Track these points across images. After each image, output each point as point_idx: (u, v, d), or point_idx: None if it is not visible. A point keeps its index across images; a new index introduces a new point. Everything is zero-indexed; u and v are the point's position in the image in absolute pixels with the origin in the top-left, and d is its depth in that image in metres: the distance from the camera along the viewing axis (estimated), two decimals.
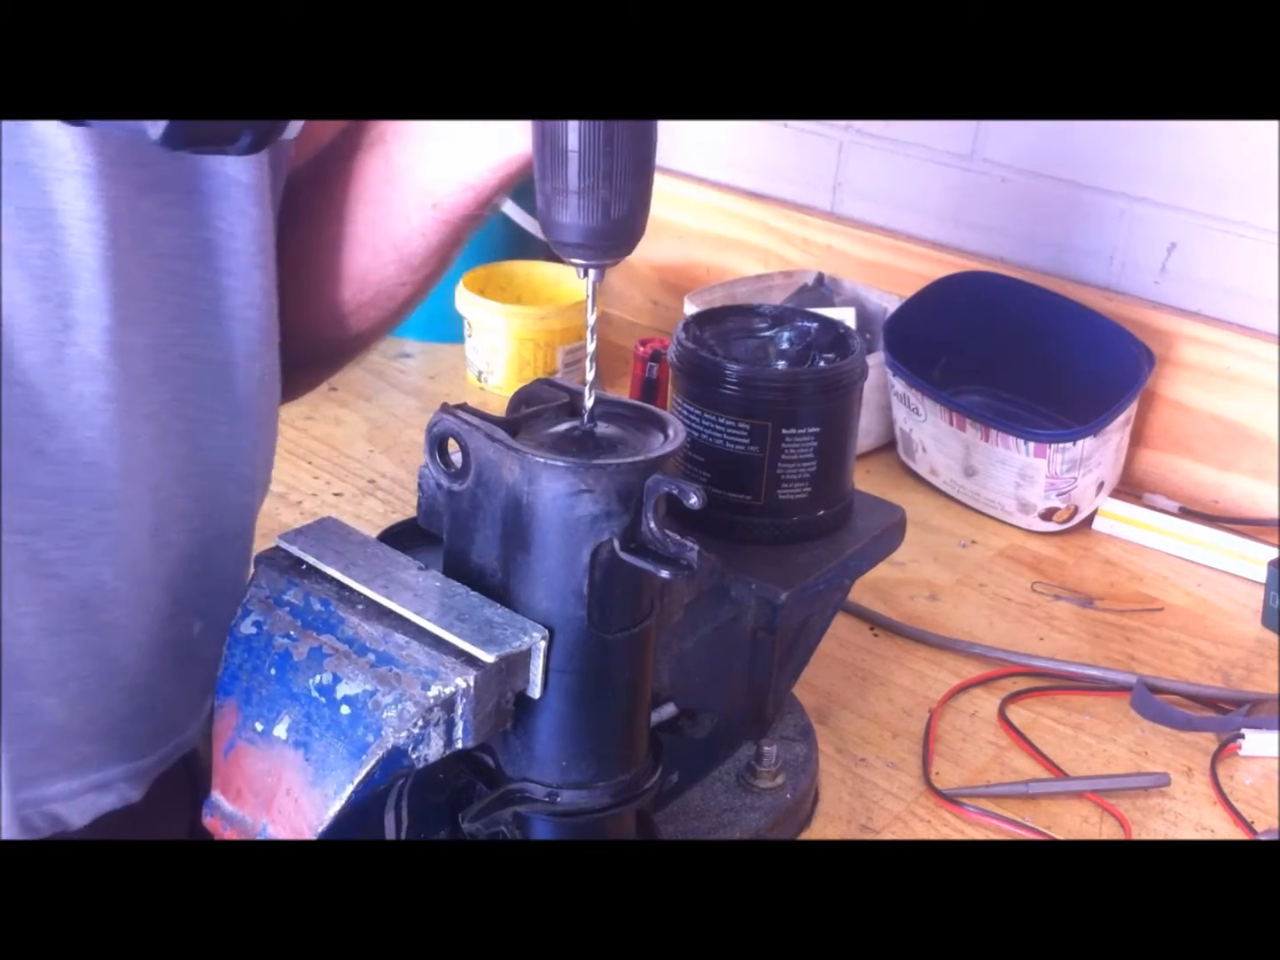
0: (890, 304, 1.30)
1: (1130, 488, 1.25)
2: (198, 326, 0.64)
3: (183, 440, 0.66)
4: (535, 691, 0.63)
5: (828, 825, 0.84)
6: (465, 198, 0.69)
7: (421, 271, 0.73)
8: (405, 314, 0.78)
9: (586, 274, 0.61)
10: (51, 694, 0.62)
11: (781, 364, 0.83)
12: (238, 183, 0.64)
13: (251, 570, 0.66)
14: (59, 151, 0.56)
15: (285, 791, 0.60)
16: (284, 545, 0.66)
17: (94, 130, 0.56)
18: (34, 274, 0.56)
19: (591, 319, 0.64)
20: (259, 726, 0.61)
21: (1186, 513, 1.20)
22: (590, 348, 0.64)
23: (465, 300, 1.35)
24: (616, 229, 0.59)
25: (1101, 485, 1.18)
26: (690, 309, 1.27)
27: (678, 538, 0.61)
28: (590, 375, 0.64)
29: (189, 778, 0.76)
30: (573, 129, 0.57)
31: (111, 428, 0.61)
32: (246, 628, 0.63)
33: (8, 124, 0.54)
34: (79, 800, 0.65)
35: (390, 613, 0.62)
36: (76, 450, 0.60)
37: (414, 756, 0.59)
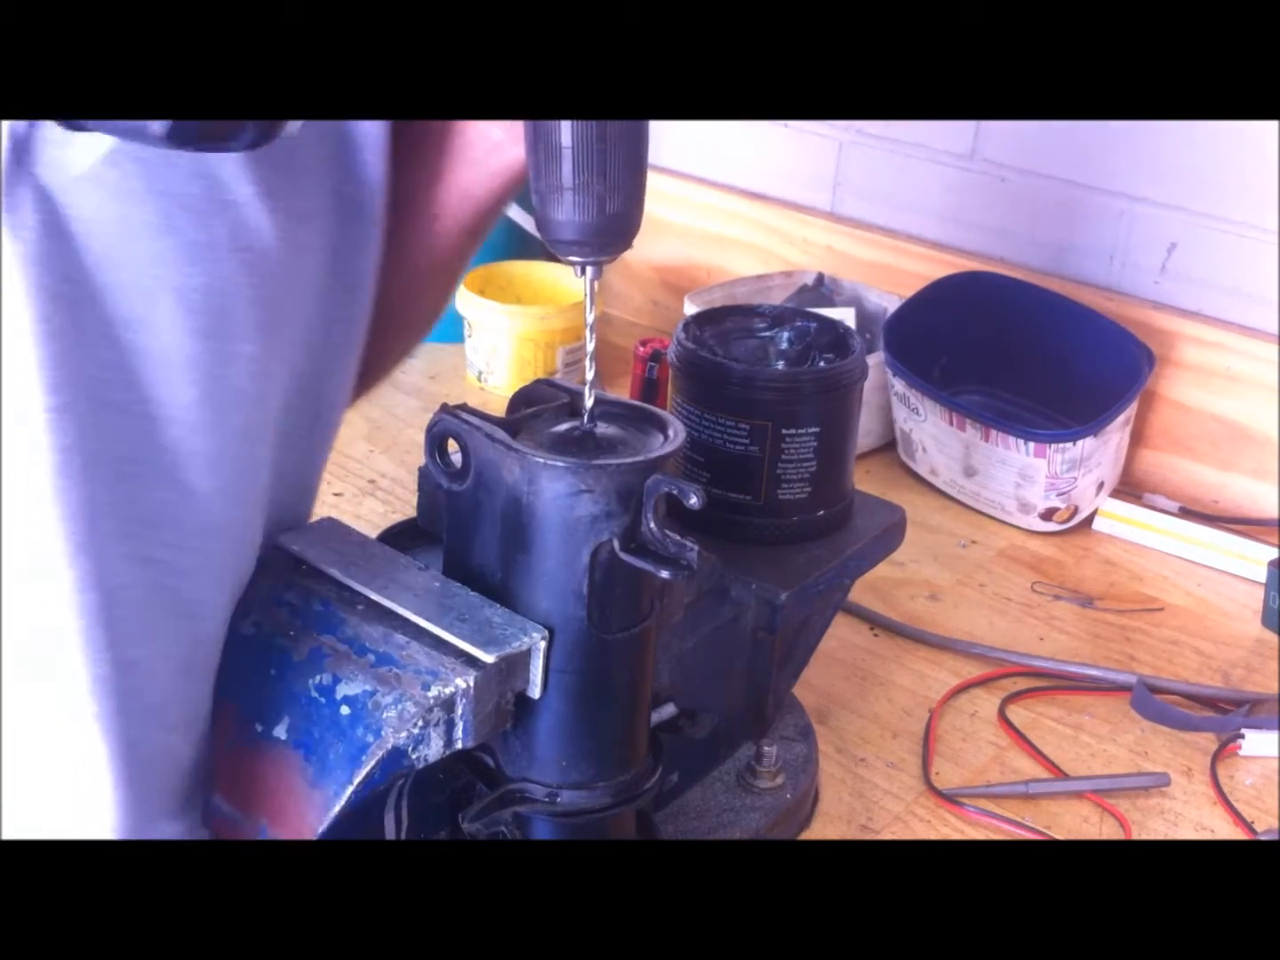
0: (890, 304, 1.30)
1: (1130, 488, 1.25)
2: (313, 349, 0.64)
3: (278, 461, 0.66)
4: (535, 692, 0.63)
5: (828, 825, 0.84)
6: (464, 208, 0.69)
7: (429, 284, 0.73)
8: (420, 328, 0.77)
9: (584, 272, 0.61)
10: (183, 733, 0.61)
11: (781, 364, 0.83)
12: (368, 209, 0.64)
13: None
14: (221, 183, 0.55)
15: (285, 791, 0.60)
16: (284, 545, 0.66)
17: (255, 161, 0.56)
18: (193, 308, 0.55)
19: (590, 317, 0.64)
20: (259, 727, 0.61)
21: (1186, 513, 1.20)
22: (590, 346, 0.64)
23: (465, 300, 1.35)
24: (612, 225, 0.60)
25: (1101, 485, 1.18)
26: (690, 309, 1.27)
27: (678, 538, 0.61)
28: (590, 375, 0.64)
29: None
30: (565, 126, 0.57)
31: (250, 459, 0.60)
32: (246, 628, 0.63)
33: (169, 157, 0.54)
34: (192, 836, 0.65)
35: (390, 613, 0.62)
36: (224, 487, 0.59)
37: (414, 757, 0.59)
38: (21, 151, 0.51)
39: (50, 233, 0.51)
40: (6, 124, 0.50)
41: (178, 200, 0.54)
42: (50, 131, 0.51)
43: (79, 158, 0.51)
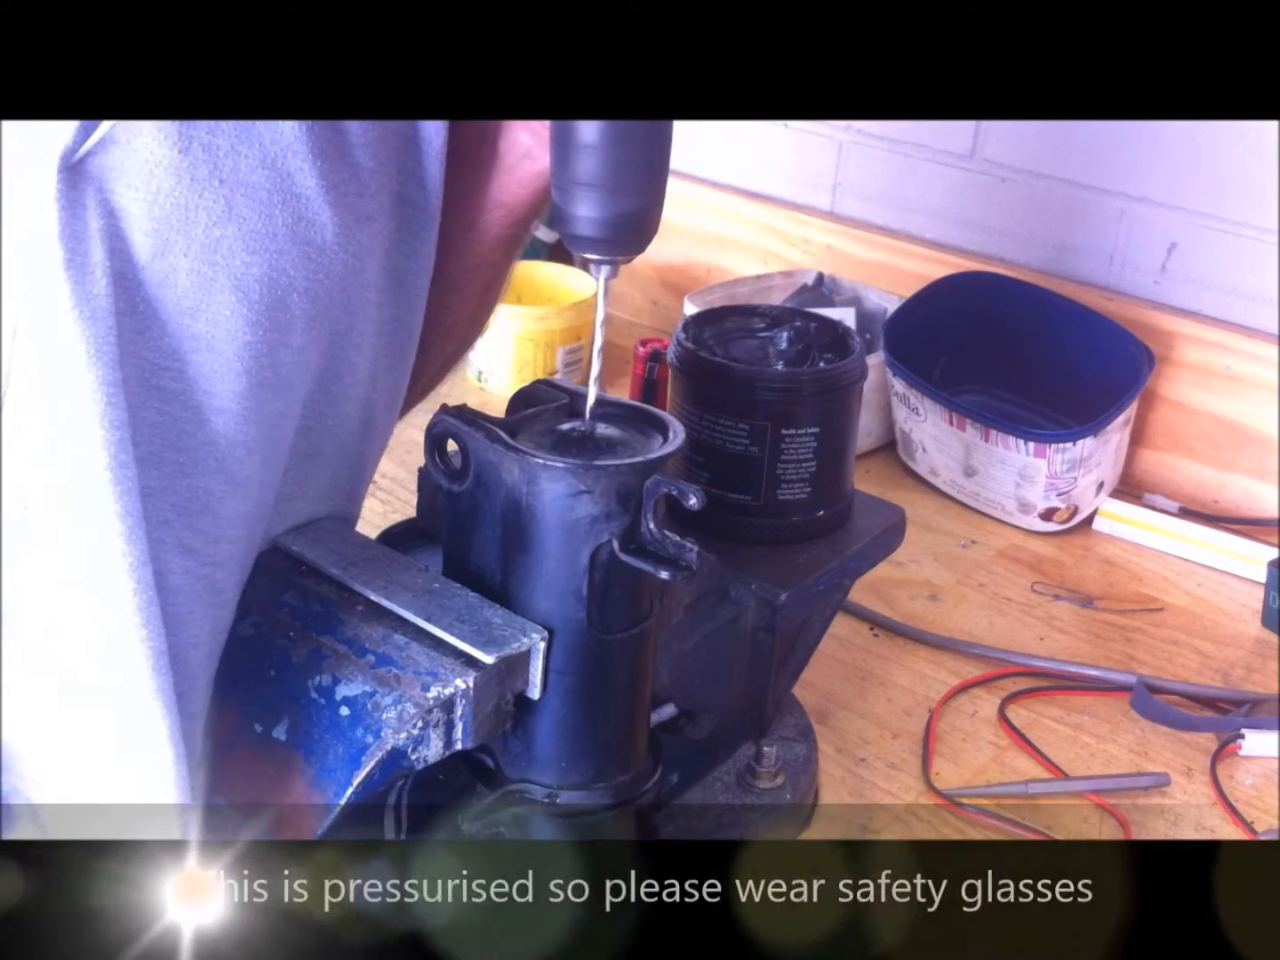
0: (890, 304, 1.30)
1: (1130, 488, 1.25)
2: (371, 352, 0.64)
3: (331, 467, 0.65)
4: (535, 692, 0.63)
5: (828, 825, 0.84)
6: (496, 216, 0.69)
7: (464, 294, 0.72)
8: (460, 337, 0.76)
9: (599, 269, 0.61)
10: (200, 721, 0.61)
11: (781, 364, 0.83)
12: (425, 214, 0.64)
13: None
14: (286, 174, 0.56)
15: (285, 792, 0.60)
16: (283, 545, 0.66)
17: (320, 154, 0.56)
18: (249, 298, 0.56)
19: (600, 314, 0.63)
20: (258, 727, 0.61)
21: (1186, 513, 1.20)
22: (598, 342, 0.63)
23: None
24: (630, 223, 0.60)
25: (1101, 485, 1.18)
26: (690, 309, 1.27)
27: (677, 538, 0.61)
28: (596, 369, 0.64)
29: None
30: (588, 124, 0.57)
31: (279, 445, 0.60)
32: (246, 628, 0.63)
33: (237, 145, 0.54)
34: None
35: (390, 614, 0.62)
36: (255, 475, 0.59)
37: (413, 758, 0.59)
38: (89, 133, 0.51)
39: (109, 212, 0.51)
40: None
41: (241, 189, 0.55)
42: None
43: (149, 143, 0.52)
